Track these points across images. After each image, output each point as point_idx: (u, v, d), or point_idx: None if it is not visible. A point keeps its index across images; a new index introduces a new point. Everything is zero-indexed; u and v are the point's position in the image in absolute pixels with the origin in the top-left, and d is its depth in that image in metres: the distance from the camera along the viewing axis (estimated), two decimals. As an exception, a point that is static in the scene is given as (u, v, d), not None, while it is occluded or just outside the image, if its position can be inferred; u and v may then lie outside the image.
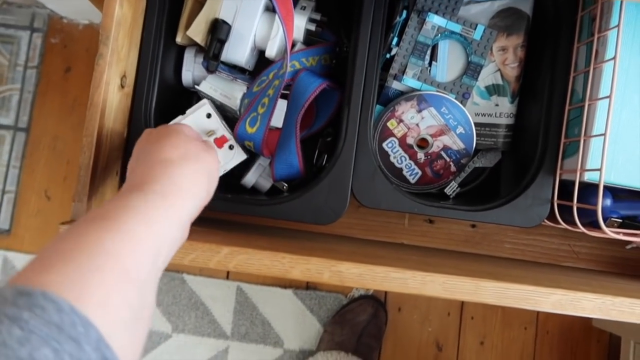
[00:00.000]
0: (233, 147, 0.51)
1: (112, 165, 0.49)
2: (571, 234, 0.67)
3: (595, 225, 0.52)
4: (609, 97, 0.49)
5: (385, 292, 1.07)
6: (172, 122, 0.50)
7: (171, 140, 0.40)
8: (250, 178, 0.54)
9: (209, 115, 0.51)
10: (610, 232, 0.49)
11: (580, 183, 0.53)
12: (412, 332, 1.08)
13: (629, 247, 0.63)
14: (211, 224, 0.54)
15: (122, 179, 0.51)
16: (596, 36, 0.52)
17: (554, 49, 0.57)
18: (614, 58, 0.48)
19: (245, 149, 0.50)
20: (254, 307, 1.07)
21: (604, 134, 0.48)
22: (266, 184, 0.55)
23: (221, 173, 0.49)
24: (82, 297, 0.24)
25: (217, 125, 0.51)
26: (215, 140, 0.51)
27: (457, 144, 0.62)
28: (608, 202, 0.56)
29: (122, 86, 0.48)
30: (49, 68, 1.09)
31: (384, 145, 0.61)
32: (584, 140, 0.52)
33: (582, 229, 0.52)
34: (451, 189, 0.63)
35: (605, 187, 0.57)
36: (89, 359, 0.22)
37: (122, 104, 0.49)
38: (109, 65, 0.45)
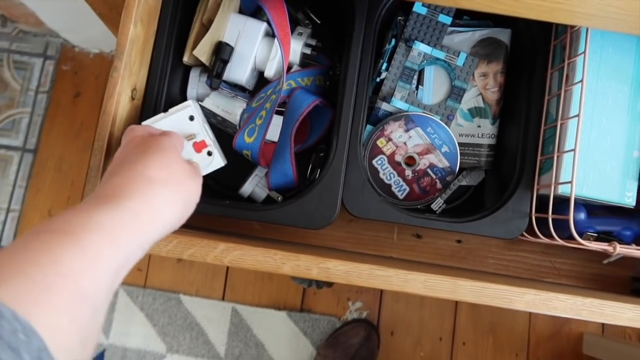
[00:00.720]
0: (212, 153, 0.51)
1: (120, 170, 0.52)
2: (552, 251, 0.70)
3: (571, 238, 0.55)
4: (578, 115, 0.53)
5: (378, 316, 1.08)
6: (152, 120, 0.50)
7: (160, 158, 0.38)
8: (247, 188, 0.58)
9: (191, 118, 0.50)
10: (582, 241, 0.52)
11: (556, 198, 0.57)
12: (404, 356, 1.09)
13: (605, 261, 0.66)
14: (207, 233, 0.58)
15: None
16: (566, 62, 0.57)
17: (529, 75, 0.62)
18: (582, 81, 0.53)
19: (243, 157, 0.54)
20: (248, 329, 1.08)
21: (574, 149, 0.53)
22: (262, 194, 0.59)
23: None
24: (28, 311, 0.22)
25: (199, 129, 0.50)
26: (195, 144, 0.50)
27: (442, 162, 0.66)
28: (582, 215, 0.59)
29: (133, 98, 0.53)
30: (59, 93, 1.15)
31: (374, 162, 0.66)
32: (557, 157, 0.56)
33: (558, 240, 0.56)
34: (437, 204, 0.67)
35: (580, 203, 0.61)
36: None
37: (131, 115, 0.53)
38: (122, 78, 0.49)
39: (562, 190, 0.55)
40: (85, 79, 1.15)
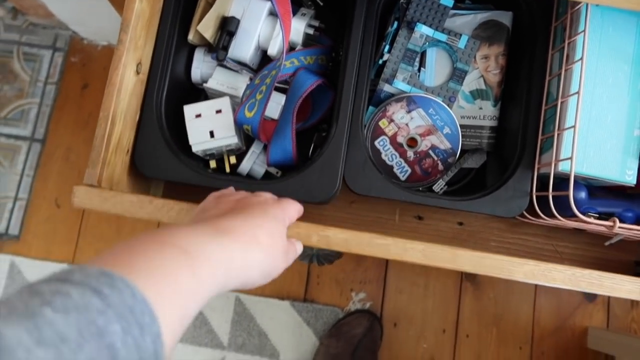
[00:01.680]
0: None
1: (124, 143, 0.54)
2: (554, 234, 0.70)
3: (573, 217, 0.55)
4: (578, 92, 0.53)
5: (382, 307, 1.08)
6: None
7: (273, 226, 0.39)
8: (246, 165, 0.59)
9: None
10: (582, 216, 0.53)
11: (557, 178, 0.57)
12: (407, 348, 1.09)
13: (607, 243, 0.66)
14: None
15: (132, 159, 0.55)
16: (567, 42, 0.57)
17: (531, 56, 0.62)
18: (582, 58, 0.54)
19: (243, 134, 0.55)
20: (251, 318, 1.08)
21: (574, 126, 0.53)
22: (261, 170, 0.60)
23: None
24: (155, 297, 0.25)
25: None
26: None
27: (444, 144, 0.66)
28: (583, 194, 0.59)
29: (138, 72, 0.53)
30: (67, 84, 1.16)
31: (376, 143, 0.66)
32: (558, 135, 0.56)
33: (559, 218, 0.56)
34: (439, 186, 0.67)
35: (581, 182, 0.61)
36: (146, 349, 0.23)
37: (136, 89, 0.54)
38: (127, 51, 0.50)
39: (562, 167, 0.55)
40: (93, 71, 1.17)
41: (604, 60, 0.57)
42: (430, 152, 0.66)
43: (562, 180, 0.59)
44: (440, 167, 0.67)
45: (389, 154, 0.66)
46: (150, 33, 0.56)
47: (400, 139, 0.66)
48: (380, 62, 0.66)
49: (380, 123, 0.66)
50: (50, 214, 1.12)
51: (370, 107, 0.66)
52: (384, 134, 0.66)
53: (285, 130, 0.54)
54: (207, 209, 0.42)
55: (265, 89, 0.53)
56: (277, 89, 0.60)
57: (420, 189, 0.68)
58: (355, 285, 1.10)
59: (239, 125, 0.55)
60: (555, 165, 0.56)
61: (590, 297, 1.08)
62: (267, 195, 0.45)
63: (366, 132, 0.66)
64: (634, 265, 0.70)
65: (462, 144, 0.66)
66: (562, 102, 0.56)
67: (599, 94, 0.57)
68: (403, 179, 0.66)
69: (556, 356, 1.10)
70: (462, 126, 0.66)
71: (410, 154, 0.66)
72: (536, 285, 1.09)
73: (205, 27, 0.57)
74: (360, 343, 1.04)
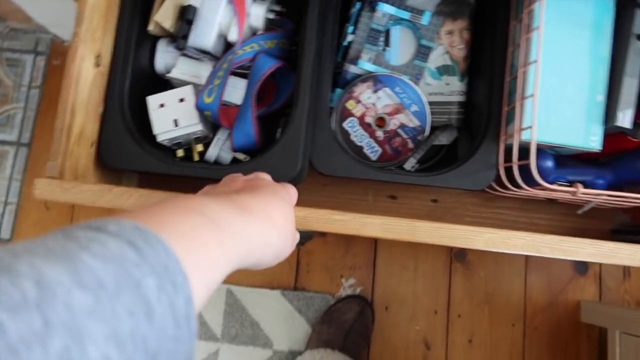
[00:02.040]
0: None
1: (88, 135, 0.54)
2: (529, 206, 0.70)
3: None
4: (536, 61, 0.53)
5: (372, 292, 1.09)
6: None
7: (288, 210, 0.39)
8: (212, 152, 0.59)
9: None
10: (545, 183, 0.53)
11: (524, 148, 0.57)
12: (399, 331, 1.09)
13: (580, 211, 0.66)
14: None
15: (98, 151, 0.56)
16: (525, 11, 0.57)
17: (493, 29, 0.62)
18: (539, 27, 0.53)
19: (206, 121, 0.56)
20: (243, 309, 1.09)
21: (533, 95, 0.53)
22: (228, 156, 0.60)
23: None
24: (185, 260, 0.24)
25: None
26: None
27: (412, 122, 0.66)
28: (549, 163, 0.59)
29: (97, 64, 0.54)
30: (51, 88, 1.17)
31: (344, 124, 0.66)
32: (520, 104, 0.56)
33: (526, 188, 0.56)
34: (410, 164, 0.67)
35: (548, 151, 0.61)
36: (179, 309, 0.22)
37: (97, 81, 0.54)
38: (84, 42, 0.51)
39: (525, 136, 0.55)
40: (75, 73, 1.18)
41: (564, 28, 0.57)
42: (400, 130, 0.66)
43: (529, 150, 0.59)
44: (411, 145, 0.67)
45: (358, 135, 0.66)
46: (109, 25, 0.56)
47: (369, 119, 0.66)
48: (346, 43, 0.66)
49: (347, 104, 0.66)
50: (40, 217, 1.13)
51: (338, 90, 0.67)
52: (352, 115, 0.66)
53: (246, 114, 0.54)
54: (216, 187, 0.41)
55: (222, 74, 0.53)
56: (239, 74, 0.60)
57: (393, 168, 0.68)
58: (345, 271, 1.10)
59: (200, 111, 0.55)
60: (518, 135, 0.56)
61: (582, 271, 1.07)
62: (269, 178, 0.45)
63: (334, 114, 0.66)
64: (610, 234, 0.70)
65: (431, 121, 0.66)
66: (523, 72, 0.56)
67: (560, 62, 0.57)
68: (374, 159, 0.67)
69: (549, 332, 1.10)
70: (430, 103, 0.67)
71: (379, 133, 0.66)
72: (526, 262, 1.09)
73: (164, 17, 0.58)
74: (352, 328, 1.04)
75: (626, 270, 1.10)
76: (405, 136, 0.67)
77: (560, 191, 0.53)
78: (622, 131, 0.57)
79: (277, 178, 0.54)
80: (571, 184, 0.63)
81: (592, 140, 0.57)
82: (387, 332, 1.09)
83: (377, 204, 0.70)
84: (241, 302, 1.09)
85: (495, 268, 1.10)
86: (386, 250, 1.10)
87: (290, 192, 0.43)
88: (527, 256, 1.11)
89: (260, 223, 0.35)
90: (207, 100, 0.53)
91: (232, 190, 0.39)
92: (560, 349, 1.10)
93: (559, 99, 0.56)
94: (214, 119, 0.55)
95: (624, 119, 0.55)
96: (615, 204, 0.61)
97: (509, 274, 1.10)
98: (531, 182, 0.56)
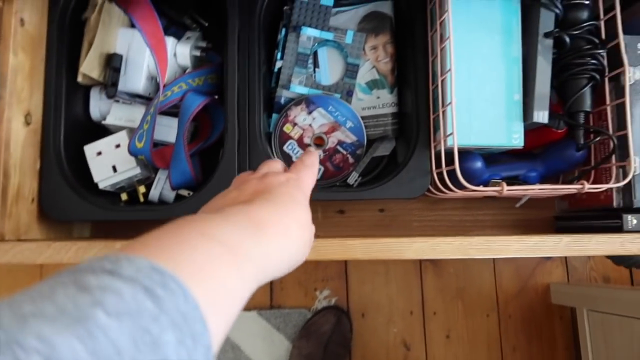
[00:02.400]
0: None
1: (26, 193, 0.55)
2: (472, 205, 0.72)
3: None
4: (450, 70, 0.56)
5: (347, 301, 1.10)
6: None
7: (301, 215, 0.36)
8: (154, 193, 0.61)
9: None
10: (469, 185, 0.55)
11: (452, 153, 0.59)
12: (378, 335, 1.11)
13: (517, 205, 0.68)
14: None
15: (40, 206, 0.57)
16: (438, 22, 0.59)
17: (413, 40, 0.64)
18: (449, 37, 0.56)
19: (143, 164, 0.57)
20: (222, 334, 1.10)
21: (451, 102, 0.55)
22: (170, 194, 0.62)
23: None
24: (203, 301, 0.22)
25: None
26: None
27: (349, 137, 0.68)
28: (479, 164, 0.62)
29: (28, 123, 0.55)
30: None
31: (285, 148, 0.68)
32: (442, 112, 0.59)
33: (456, 191, 0.58)
34: (353, 178, 0.69)
35: (478, 153, 0.64)
36: None
37: (29, 139, 0.56)
38: (9, 106, 0.52)
39: (450, 142, 0.58)
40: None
41: (475, 33, 0.59)
42: (339, 147, 0.68)
43: (461, 153, 0.62)
44: (351, 160, 0.69)
45: (299, 156, 0.68)
46: (35, 82, 0.57)
47: (307, 140, 0.68)
48: (276, 70, 0.68)
49: (284, 128, 0.68)
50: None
51: (274, 115, 0.68)
52: (291, 138, 0.68)
53: (179, 153, 0.56)
54: (228, 193, 0.38)
55: (150, 118, 0.54)
56: (172, 114, 0.62)
57: (338, 184, 0.70)
58: (318, 284, 1.12)
59: (133, 156, 0.57)
60: (444, 141, 0.58)
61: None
62: (279, 167, 0.42)
63: (273, 139, 0.68)
64: (553, 221, 0.73)
65: (367, 135, 0.69)
66: (441, 81, 0.59)
67: (475, 66, 0.59)
68: (318, 177, 0.68)
69: (522, 317, 1.12)
70: (364, 117, 0.69)
71: (319, 153, 0.68)
72: (494, 253, 1.12)
73: (90, 67, 0.59)
74: (330, 339, 1.06)
75: (589, 248, 1.13)
76: (344, 152, 0.69)
77: (485, 191, 0.56)
78: (543, 125, 0.60)
79: (215, 212, 0.56)
80: (505, 179, 0.65)
81: (514, 138, 0.59)
82: (366, 338, 1.11)
83: (326, 220, 0.72)
84: (219, 328, 1.10)
85: (464, 262, 1.13)
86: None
87: (304, 188, 0.39)
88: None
89: (278, 240, 0.32)
90: (139, 145, 0.54)
91: (245, 196, 0.36)
92: (535, 332, 1.12)
93: (479, 102, 0.59)
94: (149, 162, 0.56)
95: (540, 115, 0.58)
96: (549, 194, 0.64)
97: (478, 266, 1.12)
98: (461, 184, 0.58)
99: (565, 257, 1.13)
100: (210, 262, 0.25)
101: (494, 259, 1.13)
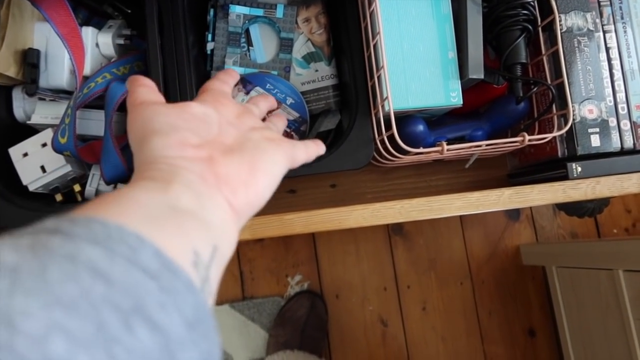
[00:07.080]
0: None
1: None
2: (424, 170, 0.71)
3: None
4: (379, 33, 0.54)
5: (320, 284, 1.09)
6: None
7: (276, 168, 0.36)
8: (90, 190, 0.58)
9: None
10: (409, 148, 0.54)
11: (400, 117, 0.58)
12: (354, 315, 1.10)
13: (466, 166, 0.67)
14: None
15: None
16: (365, -15, 0.58)
17: (344, 8, 0.63)
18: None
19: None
20: (197, 331, 1.08)
21: (383, 66, 0.54)
22: (108, 189, 0.59)
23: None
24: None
25: None
26: None
27: (292, 114, 0.67)
28: (420, 127, 0.61)
29: (-59, 130, 0.52)
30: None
31: (226, 132, 0.66)
32: (377, 77, 0.57)
33: (400, 157, 0.57)
34: (299, 156, 0.67)
35: (418, 117, 0.63)
36: (146, 261, 0.19)
37: (-54, 146, 0.53)
38: None
39: (387, 107, 0.56)
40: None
41: (403, -6, 0.58)
42: (281, 125, 0.67)
43: (403, 117, 0.61)
44: (296, 137, 0.67)
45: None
46: (-53, 87, 0.54)
47: (248, 121, 0.66)
48: (209, 52, 0.66)
49: (223, 111, 0.66)
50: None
51: (212, 98, 0.66)
52: (231, 120, 0.66)
53: (108, 146, 0.53)
54: (208, 115, 0.35)
55: (70, 112, 0.52)
56: (100, 107, 0.59)
57: (285, 163, 0.68)
58: (290, 270, 1.11)
59: (59, 153, 0.54)
60: (382, 107, 0.57)
61: (514, 217, 1.11)
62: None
63: (213, 123, 0.66)
64: (507, 179, 0.72)
65: (310, 110, 0.67)
66: (373, 45, 0.57)
67: (406, 27, 0.58)
68: (263, 158, 0.67)
69: (495, 281, 1.13)
70: (304, 92, 0.67)
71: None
72: (461, 220, 1.12)
73: (5, 65, 0.56)
74: (306, 324, 1.05)
75: (555, 207, 1.14)
76: (288, 130, 0.67)
77: (429, 152, 0.55)
78: (482, 82, 0.59)
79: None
80: (451, 140, 0.64)
81: (452, 97, 0.58)
82: (343, 320, 1.10)
83: (278, 202, 0.70)
84: (193, 325, 1.08)
85: (433, 233, 1.12)
86: (325, 240, 1.11)
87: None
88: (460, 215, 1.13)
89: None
90: (62, 140, 0.52)
91: (225, 143, 0.33)
92: (509, 295, 1.13)
93: (413, 63, 0.58)
94: (76, 158, 0.54)
95: (475, 71, 0.57)
96: (495, 152, 0.63)
97: (447, 235, 1.12)
98: (402, 149, 0.57)
99: (533, 218, 1.13)
100: (184, 231, 0.23)
101: (462, 227, 1.14)
